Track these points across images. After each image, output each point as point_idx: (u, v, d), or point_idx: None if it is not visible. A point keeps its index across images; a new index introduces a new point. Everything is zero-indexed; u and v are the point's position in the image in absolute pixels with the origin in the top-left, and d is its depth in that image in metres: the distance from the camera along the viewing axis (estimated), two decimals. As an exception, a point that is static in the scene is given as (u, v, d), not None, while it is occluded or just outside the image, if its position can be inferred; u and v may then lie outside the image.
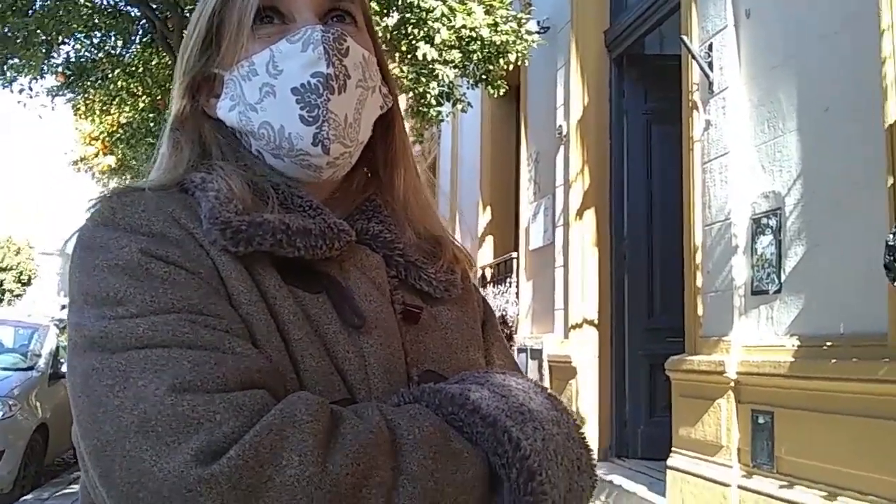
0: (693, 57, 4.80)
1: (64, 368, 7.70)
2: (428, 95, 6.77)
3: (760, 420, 4.05)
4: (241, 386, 0.67)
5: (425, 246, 0.95)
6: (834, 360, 3.52)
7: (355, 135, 0.86)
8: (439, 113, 7.26)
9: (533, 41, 6.72)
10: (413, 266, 0.90)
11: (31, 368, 7.67)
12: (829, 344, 3.62)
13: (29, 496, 6.58)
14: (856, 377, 3.38)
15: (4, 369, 7.32)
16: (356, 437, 0.65)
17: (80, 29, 7.17)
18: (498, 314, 8.53)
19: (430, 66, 6.35)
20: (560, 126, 7.05)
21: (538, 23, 7.12)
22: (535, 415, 0.74)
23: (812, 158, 3.90)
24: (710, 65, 4.71)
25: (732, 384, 4.26)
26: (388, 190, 0.96)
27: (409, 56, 6.42)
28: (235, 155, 0.88)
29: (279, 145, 0.84)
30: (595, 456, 0.82)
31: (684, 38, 4.89)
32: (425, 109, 7.01)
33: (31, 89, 7.63)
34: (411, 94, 7.02)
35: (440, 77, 6.47)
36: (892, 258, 2.95)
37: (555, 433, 0.75)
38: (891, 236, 2.97)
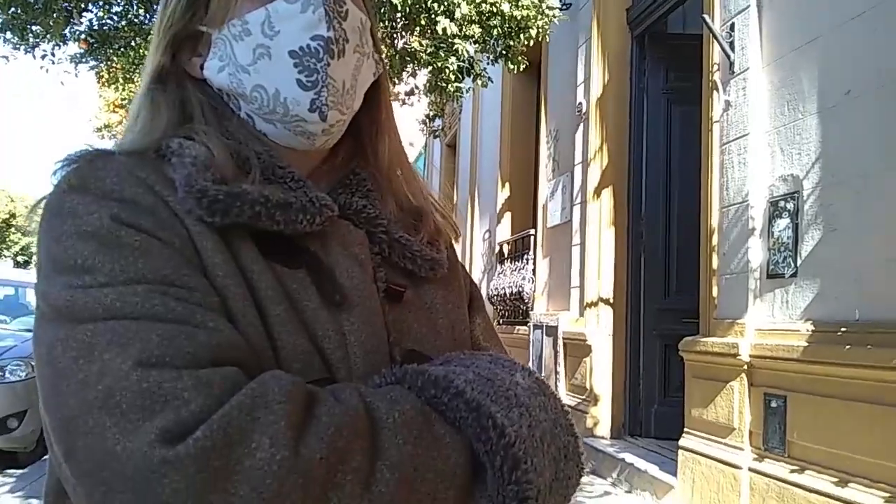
0: (714, 37, 4.74)
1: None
2: (447, 70, 6.72)
3: (773, 404, 4.05)
4: (212, 363, 0.63)
5: (407, 218, 0.92)
6: (848, 347, 3.50)
7: (351, 102, 0.84)
8: (458, 88, 7.22)
9: (554, 17, 6.63)
10: (397, 243, 0.87)
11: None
12: (843, 330, 3.60)
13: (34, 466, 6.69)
14: (870, 364, 3.36)
15: (27, 330, 7.42)
16: (332, 420, 0.62)
17: (101, -4, 7.17)
18: (515, 291, 8.55)
19: (450, 41, 6.30)
20: (580, 104, 7.00)
21: (560, -2, 7.05)
22: (521, 399, 0.72)
23: (832, 142, 3.85)
24: (732, 45, 4.65)
25: (746, 367, 4.25)
26: (373, 159, 0.93)
27: (428, 30, 6.36)
28: (219, 119, 0.84)
29: (273, 109, 0.81)
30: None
31: (706, 17, 4.82)
32: (444, 84, 6.97)
33: (53, 55, 7.65)
34: (430, 68, 6.98)
35: (460, 52, 6.42)
36: (909, 245, 2.93)
37: (542, 419, 0.73)
38: (909, 223, 2.94)
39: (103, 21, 7.66)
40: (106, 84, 10.68)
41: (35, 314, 0.70)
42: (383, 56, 0.93)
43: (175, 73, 0.86)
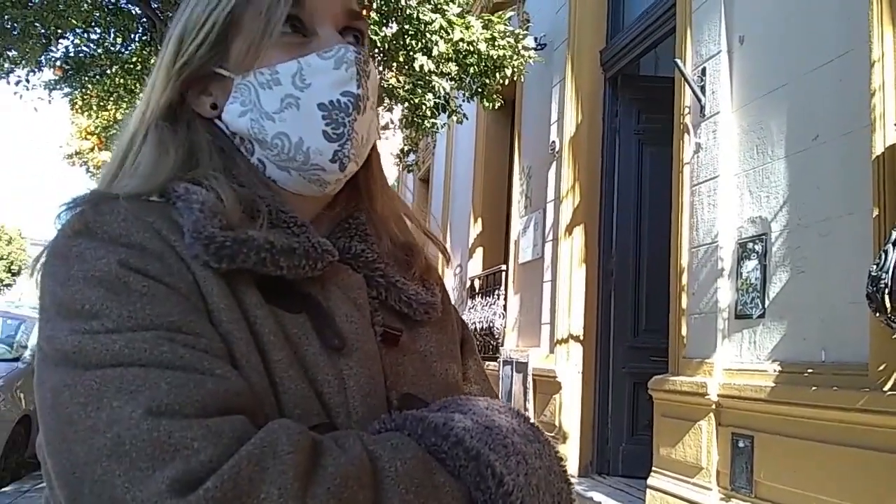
0: (686, 80, 4.84)
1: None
2: (423, 106, 6.80)
3: (740, 444, 4.08)
4: (219, 411, 0.64)
5: (399, 253, 0.94)
6: (814, 388, 3.55)
7: (365, 153, 0.87)
8: (434, 124, 7.30)
9: (529, 57, 6.77)
10: (394, 287, 0.88)
11: (16, 360, 7.64)
12: (810, 371, 3.65)
13: (8, 488, 6.54)
14: (836, 405, 3.41)
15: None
16: (337, 471, 0.63)
17: (78, 24, 7.16)
18: (485, 326, 8.56)
19: (427, 78, 6.38)
20: (553, 142, 7.09)
21: (535, 39, 7.17)
22: (518, 447, 0.73)
23: (800, 186, 3.94)
24: (703, 89, 4.75)
25: (714, 406, 4.29)
26: (368, 202, 0.95)
27: (406, 67, 6.45)
28: (226, 162, 0.84)
29: (292, 157, 0.83)
30: (573, 471, 0.81)
31: (678, 61, 4.93)
32: (420, 120, 7.04)
33: (27, 81, 7.63)
34: (407, 104, 7.05)
35: (436, 89, 6.51)
36: (874, 288, 2.98)
37: (537, 466, 0.74)
38: (874, 266, 3.00)
39: (79, 48, 7.66)
40: (79, 111, 10.64)
41: (38, 356, 0.70)
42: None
43: (184, 112, 0.86)
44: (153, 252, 0.72)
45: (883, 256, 2.98)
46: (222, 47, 0.85)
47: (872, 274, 2.99)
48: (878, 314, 3.00)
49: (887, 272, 2.93)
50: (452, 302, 1.03)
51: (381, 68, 6.40)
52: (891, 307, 2.92)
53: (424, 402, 0.82)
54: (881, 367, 3.19)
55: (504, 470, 0.70)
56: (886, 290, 2.93)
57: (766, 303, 4.07)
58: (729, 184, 4.50)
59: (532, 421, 0.81)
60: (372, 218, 0.94)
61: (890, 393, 3.10)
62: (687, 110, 4.93)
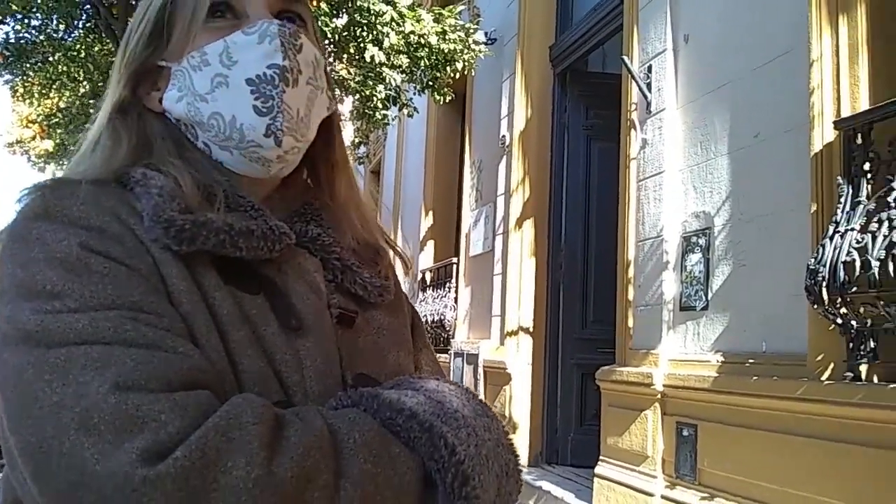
0: (633, 77, 4.92)
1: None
2: (374, 98, 6.79)
3: (685, 433, 4.18)
4: (184, 386, 0.66)
5: (364, 253, 0.96)
6: (755, 378, 3.65)
7: (305, 130, 0.87)
8: (385, 116, 7.29)
9: (480, 51, 6.80)
10: (349, 270, 0.91)
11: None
12: (751, 361, 3.76)
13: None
14: (776, 395, 3.51)
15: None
16: (300, 441, 0.66)
17: (19, 10, 6.98)
18: (436, 318, 8.60)
19: (378, 70, 6.37)
20: (503, 136, 7.14)
21: (486, 34, 7.19)
22: (468, 420, 0.77)
23: (742, 182, 4.04)
24: (649, 86, 4.84)
25: (659, 396, 4.38)
26: (329, 194, 0.97)
27: (356, 58, 6.43)
28: (178, 149, 0.86)
29: (229, 136, 0.84)
30: (523, 461, 0.85)
31: (625, 58, 5.01)
32: (371, 112, 7.03)
33: (-34, 68, 7.43)
34: (358, 96, 7.03)
35: (387, 80, 6.50)
36: (812, 281, 3.09)
37: (486, 438, 0.77)
38: (812, 260, 3.11)
39: (21, 34, 7.47)
40: (21, 98, 10.37)
41: None
42: (335, 95, 0.97)
43: (135, 106, 0.89)
44: (113, 235, 0.74)
45: (821, 250, 3.08)
46: (160, 41, 0.88)
47: (811, 267, 3.09)
48: (816, 306, 3.10)
49: (825, 265, 3.04)
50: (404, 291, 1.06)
51: (331, 59, 6.37)
52: (828, 299, 3.03)
53: (377, 381, 0.85)
54: (819, 358, 3.30)
55: (456, 441, 0.73)
56: (824, 283, 3.03)
57: (710, 295, 4.17)
58: (674, 179, 4.60)
59: (480, 398, 0.85)
60: (331, 208, 0.96)
61: (827, 382, 3.21)
62: (634, 107, 5.02)
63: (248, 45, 0.84)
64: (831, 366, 3.23)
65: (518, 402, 6.50)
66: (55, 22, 7.47)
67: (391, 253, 1.02)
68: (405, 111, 7.24)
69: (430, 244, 9.85)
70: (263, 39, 0.84)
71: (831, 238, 3.05)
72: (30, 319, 0.67)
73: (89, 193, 0.77)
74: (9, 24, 7.35)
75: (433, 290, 9.09)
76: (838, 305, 3.01)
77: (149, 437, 0.61)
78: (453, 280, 8.48)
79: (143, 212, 0.76)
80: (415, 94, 7.30)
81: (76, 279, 0.69)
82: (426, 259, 9.80)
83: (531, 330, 6.59)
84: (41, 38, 7.55)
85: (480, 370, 7.04)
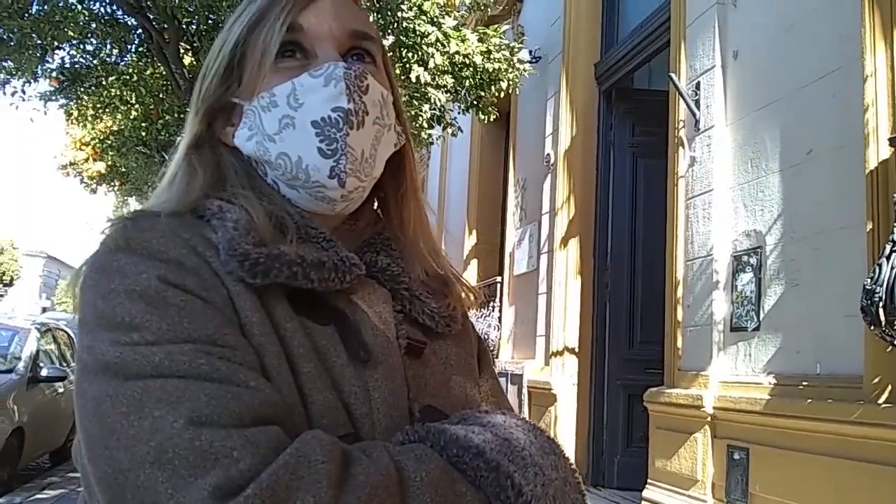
0: (680, 94, 4.88)
1: (44, 372, 7.62)
2: (420, 118, 6.83)
3: (736, 456, 4.09)
4: (255, 421, 0.67)
5: (433, 284, 0.97)
6: (809, 400, 3.57)
7: (370, 170, 0.88)
8: (430, 136, 7.32)
9: (524, 70, 6.80)
10: (417, 300, 0.92)
11: (9, 371, 7.59)
12: (805, 384, 3.68)
13: (1, 500, 6.50)
14: (830, 418, 3.43)
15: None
16: (367, 479, 0.66)
17: (75, 35, 7.17)
18: (480, 337, 8.57)
19: (423, 90, 6.41)
20: (548, 154, 7.12)
21: (530, 52, 7.21)
22: (535, 459, 0.76)
23: (794, 199, 3.97)
24: (697, 103, 4.79)
25: (709, 419, 4.30)
26: (398, 226, 0.98)
27: (402, 78, 6.47)
28: (251, 183, 0.88)
29: (295, 176, 0.86)
30: (587, 502, 0.84)
31: (672, 75, 4.97)
32: (416, 132, 7.07)
33: (23, 92, 7.63)
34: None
35: (432, 100, 6.54)
36: (868, 302, 3.01)
37: (553, 478, 0.76)
38: (868, 280, 3.03)
39: (75, 59, 7.67)
40: (75, 122, 10.63)
41: (77, 366, 0.72)
42: (407, 128, 0.98)
43: (210, 140, 0.91)
44: (190, 267, 0.75)
45: (877, 270, 3.01)
46: (234, 79, 0.90)
47: (867, 287, 3.02)
48: (872, 327, 3.02)
49: (881, 285, 2.96)
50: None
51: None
52: (885, 320, 2.95)
53: (444, 413, 0.85)
54: (876, 380, 3.22)
55: (522, 480, 0.73)
56: (881, 304, 2.95)
57: (761, 315, 4.09)
58: (723, 197, 4.53)
59: (548, 434, 0.84)
60: (400, 238, 0.97)
61: (885, 405, 3.13)
62: (681, 124, 4.97)
63: (314, 88, 0.85)
64: (888, 388, 3.16)
65: (563, 424, 6.44)
66: (109, 47, 7.66)
67: (459, 284, 1.02)
68: (449, 130, 7.26)
69: (474, 263, 9.84)
70: (329, 82, 0.84)
71: (888, 257, 2.98)
72: (109, 350, 0.69)
73: (168, 226, 0.79)
74: (64, 50, 7.56)
75: (477, 310, 9.07)
76: (896, 327, 2.93)
77: (221, 474, 0.62)
78: (497, 299, 8.45)
79: (219, 244, 0.78)
80: (459, 113, 7.33)
81: (154, 312, 0.71)
82: (470, 278, 9.77)
83: (576, 350, 6.53)
84: (95, 62, 7.74)
85: (525, 391, 6.99)
